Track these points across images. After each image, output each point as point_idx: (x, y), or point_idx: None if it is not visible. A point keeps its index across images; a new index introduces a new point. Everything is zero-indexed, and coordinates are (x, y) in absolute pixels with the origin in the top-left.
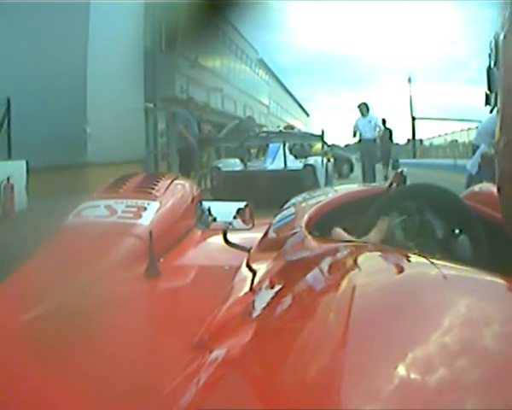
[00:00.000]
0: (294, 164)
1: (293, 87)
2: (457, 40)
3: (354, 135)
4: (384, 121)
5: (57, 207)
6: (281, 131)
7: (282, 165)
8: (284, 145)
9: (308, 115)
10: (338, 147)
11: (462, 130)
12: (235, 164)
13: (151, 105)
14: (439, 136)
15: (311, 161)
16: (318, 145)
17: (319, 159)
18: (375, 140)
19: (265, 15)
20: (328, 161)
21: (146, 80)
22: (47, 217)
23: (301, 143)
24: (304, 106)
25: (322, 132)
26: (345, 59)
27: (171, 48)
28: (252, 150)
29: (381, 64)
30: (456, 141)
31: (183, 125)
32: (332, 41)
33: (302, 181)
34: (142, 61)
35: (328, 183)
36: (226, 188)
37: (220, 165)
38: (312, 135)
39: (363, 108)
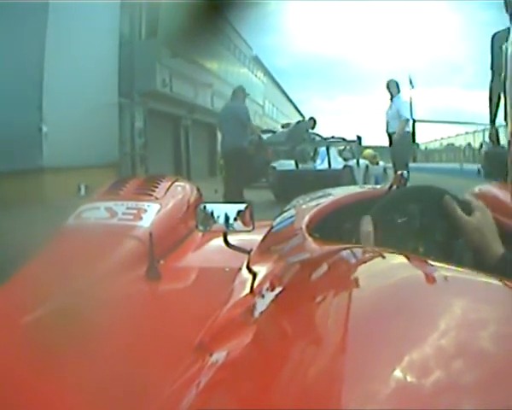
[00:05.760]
0: (337, 165)
1: (289, 90)
2: (454, 44)
3: (389, 137)
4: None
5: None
6: (326, 138)
7: (327, 165)
8: (328, 149)
9: (304, 118)
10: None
11: (457, 134)
12: (289, 164)
13: (127, 100)
14: (435, 140)
15: (350, 162)
16: (368, 150)
17: (355, 161)
18: (408, 133)
19: (261, 15)
20: (373, 163)
21: (121, 71)
22: None
23: (350, 147)
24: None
25: (359, 138)
26: (342, 62)
27: (152, 35)
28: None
29: (378, 67)
30: (453, 145)
31: (248, 120)
32: (329, 44)
33: (341, 178)
34: (116, 50)
35: (368, 181)
36: (279, 183)
37: (275, 165)
38: (350, 141)
39: (393, 87)
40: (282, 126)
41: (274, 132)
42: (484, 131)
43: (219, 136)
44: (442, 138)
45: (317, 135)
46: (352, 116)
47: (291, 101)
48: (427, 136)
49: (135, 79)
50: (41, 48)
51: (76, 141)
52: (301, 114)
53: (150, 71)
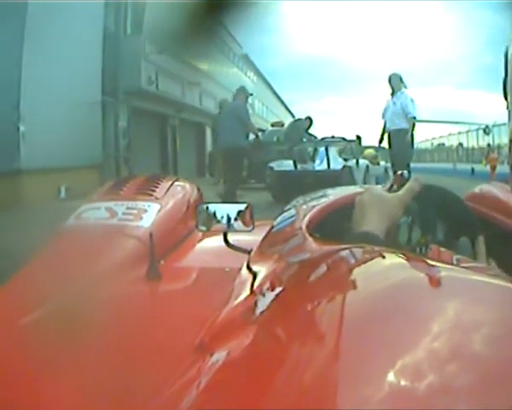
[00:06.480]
0: (336, 165)
1: (279, 89)
2: (447, 43)
3: (382, 137)
4: None
5: None
6: (324, 138)
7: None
8: (327, 149)
9: (294, 117)
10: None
11: (450, 134)
12: (287, 165)
13: (110, 98)
14: (427, 140)
15: (349, 163)
16: (369, 150)
17: (355, 161)
18: (407, 130)
19: (252, 13)
20: (374, 164)
21: (104, 68)
22: None
23: (351, 147)
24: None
25: (359, 138)
26: (333, 62)
27: (137, 31)
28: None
29: (370, 68)
30: (443, 144)
31: (248, 119)
32: (320, 44)
33: (341, 178)
34: (100, 45)
35: (368, 181)
36: (278, 184)
37: (273, 165)
38: (350, 140)
39: (396, 82)
40: (272, 125)
41: (263, 131)
42: (477, 130)
43: (208, 136)
44: (434, 138)
45: (312, 135)
46: (342, 117)
47: (281, 100)
48: (419, 135)
49: (119, 77)
50: (19, 43)
51: (56, 141)
52: (291, 114)
53: (135, 68)
